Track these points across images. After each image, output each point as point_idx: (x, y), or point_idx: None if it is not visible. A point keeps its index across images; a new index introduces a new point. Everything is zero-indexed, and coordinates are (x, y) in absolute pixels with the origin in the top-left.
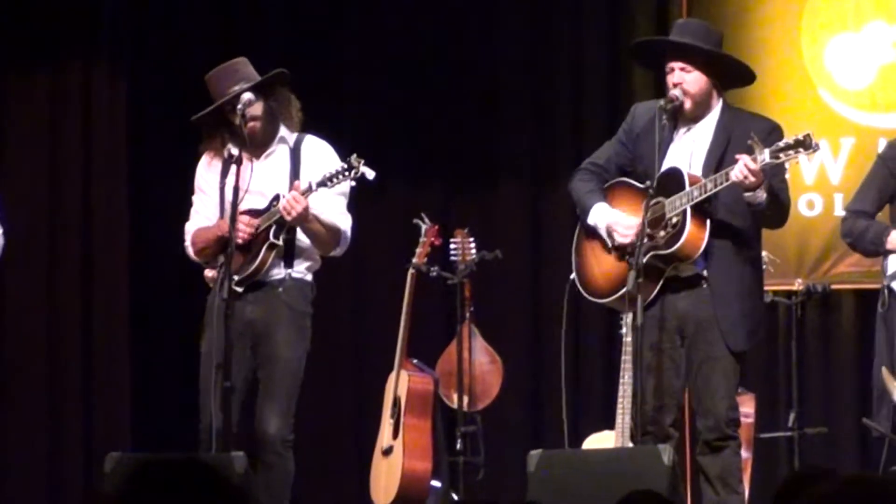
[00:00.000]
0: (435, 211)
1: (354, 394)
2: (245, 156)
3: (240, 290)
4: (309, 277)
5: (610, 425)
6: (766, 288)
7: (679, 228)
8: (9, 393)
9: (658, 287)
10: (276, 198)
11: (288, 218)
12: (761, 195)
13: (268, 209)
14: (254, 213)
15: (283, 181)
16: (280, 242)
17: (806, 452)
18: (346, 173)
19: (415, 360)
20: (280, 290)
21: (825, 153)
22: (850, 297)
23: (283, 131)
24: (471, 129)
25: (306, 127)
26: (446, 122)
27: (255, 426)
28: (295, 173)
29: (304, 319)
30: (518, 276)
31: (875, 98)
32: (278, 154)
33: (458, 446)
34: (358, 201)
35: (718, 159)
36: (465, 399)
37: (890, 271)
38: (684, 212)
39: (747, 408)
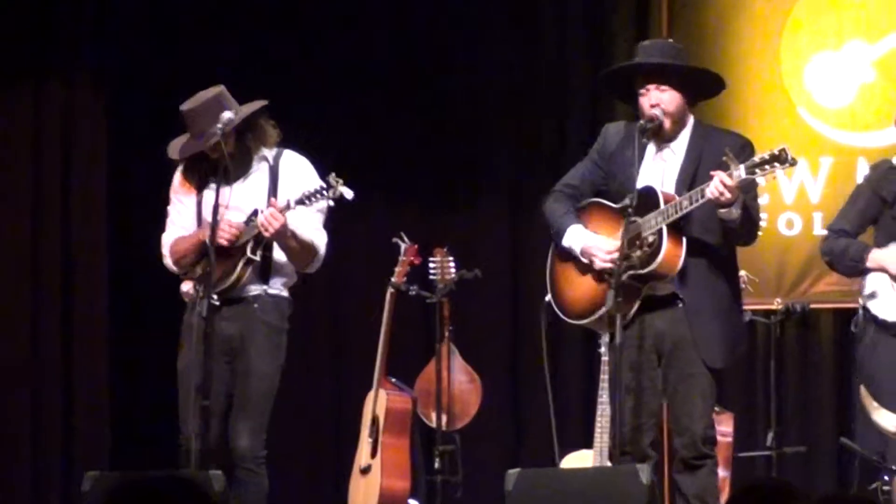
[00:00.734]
0: (414, 230)
1: (333, 412)
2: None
3: (217, 302)
4: (285, 293)
5: (588, 445)
6: (745, 307)
7: (656, 247)
8: None
9: (635, 307)
10: (255, 213)
11: (265, 234)
12: (735, 212)
13: (246, 224)
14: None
15: (262, 197)
16: (257, 258)
17: (784, 471)
18: (325, 192)
19: (393, 379)
20: (256, 305)
21: (804, 172)
22: (829, 317)
23: (262, 151)
24: (451, 148)
25: (286, 144)
26: (427, 142)
27: (229, 442)
28: (274, 189)
29: (279, 335)
30: (497, 296)
31: (855, 117)
32: (258, 172)
33: (437, 465)
34: (338, 220)
35: (691, 177)
36: (444, 418)
37: (867, 291)
38: (660, 230)
39: (725, 427)
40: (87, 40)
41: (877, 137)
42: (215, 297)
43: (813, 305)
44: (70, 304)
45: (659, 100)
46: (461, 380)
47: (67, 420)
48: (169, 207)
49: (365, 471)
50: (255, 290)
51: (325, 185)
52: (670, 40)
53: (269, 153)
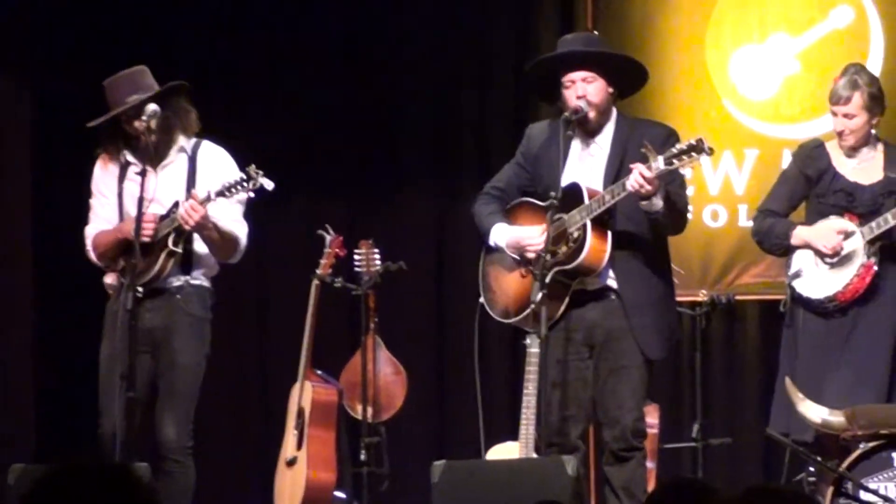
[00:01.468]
0: (339, 222)
1: (259, 404)
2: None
3: (140, 293)
4: (207, 284)
5: (514, 436)
6: None
7: (580, 242)
8: None
9: (565, 303)
10: (176, 205)
11: (186, 226)
12: (658, 203)
13: (167, 216)
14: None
15: (181, 189)
16: (179, 250)
17: (710, 463)
18: (245, 184)
19: (319, 371)
20: (179, 297)
21: (729, 164)
22: (754, 308)
23: (181, 140)
24: (376, 139)
25: (209, 136)
26: (351, 133)
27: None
28: (192, 180)
29: (203, 325)
30: (422, 288)
31: (779, 109)
32: (177, 163)
33: (363, 457)
34: (263, 212)
35: (617, 170)
36: (370, 410)
37: (792, 270)
38: (584, 225)
39: (651, 418)
40: (8, 31)
41: (801, 129)
42: (140, 288)
43: (738, 297)
44: None
45: (584, 91)
46: (387, 372)
47: None
48: (91, 200)
49: (291, 463)
50: (177, 281)
51: (244, 177)
52: (595, 32)
53: (187, 144)
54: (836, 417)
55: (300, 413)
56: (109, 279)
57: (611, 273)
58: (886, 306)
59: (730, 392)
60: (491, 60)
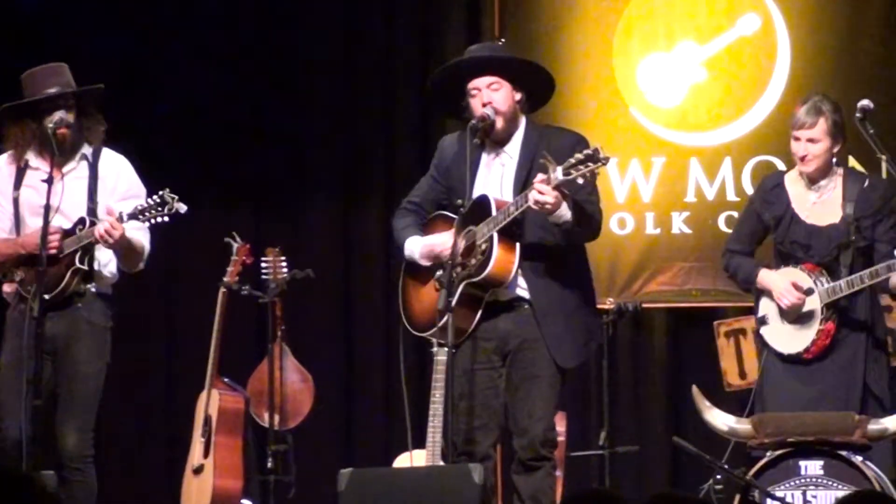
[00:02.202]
0: (246, 229)
1: (165, 412)
2: (47, 169)
3: (45, 299)
4: (109, 291)
5: (422, 445)
6: None
7: (487, 254)
8: None
9: (478, 315)
10: (82, 221)
11: (105, 245)
12: (565, 214)
13: (72, 232)
14: (56, 232)
15: (83, 197)
16: (85, 267)
17: (617, 471)
18: (160, 209)
19: (226, 379)
20: (80, 305)
21: (636, 172)
22: (661, 316)
23: (85, 148)
24: (281, 147)
25: (111, 143)
26: (257, 140)
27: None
28: (93, 189)
29: (104, 334)
30: (329, 295)
31: (686, 117)
32: (79, 171)
33: (269, 465)
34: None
35: (525, 179)
36: (277, 418)
37: (759, 313)
38: (491, 237)
39: (559, 426)
40: None
41: (708, 137)
42: (47, 296)
43: (645, 305)
44: None
45: (490, 98)
46: (294, 379)
47: None
48: None
49: (197, 471)
50: (79, 289)
51: (158, 201)
52: (501, 41)
53: (87, 150)
54: (742, 426)
55: (207, 420)
56: (8, 287)
57: (522, 283)
58: (846, 369)
59: (637, 400)
60: (396, 69)
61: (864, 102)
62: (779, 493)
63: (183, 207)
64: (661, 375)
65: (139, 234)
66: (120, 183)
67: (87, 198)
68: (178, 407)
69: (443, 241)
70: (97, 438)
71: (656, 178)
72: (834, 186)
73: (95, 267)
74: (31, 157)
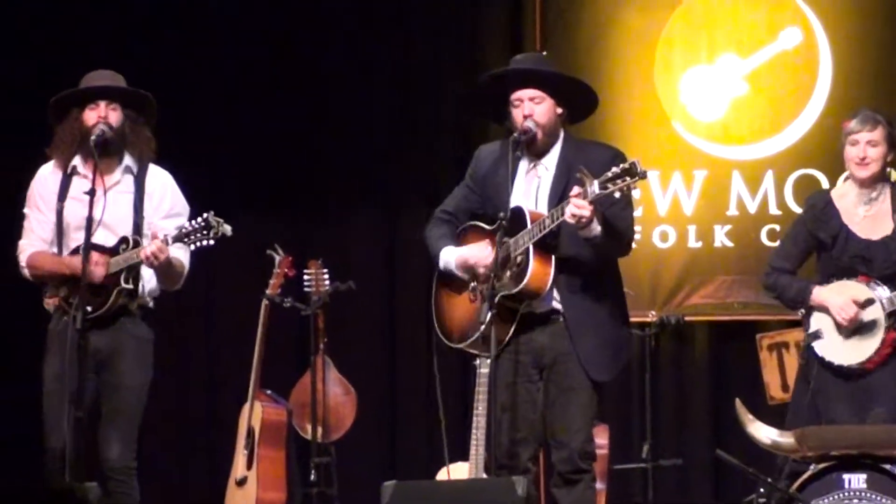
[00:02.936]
0: (288, 242)
1: (208, 424)
2: (90, 177)
3: (88, 312)
4: (151, 304)
5: (465, 457)
6: None
7: (523, 267)
8: None
9: (513, 327)
10: (124, 241)
11: (151, 267)
12: (595, 229)
13: (115, 251)
14: (100, 249)
15: (128, 213)
16: (130, 286)
17: (660, 484)
18: (205, 232)
19: (269, 391)
20: (124, 318)
21: (678, 185)
22: (703, 329)
23: (127, 160)
24: (325, 160)
25: (160, 156)
26: (300, 153)
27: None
28: (139, 206)
29: (147, 347)
30: (372, 307)
31: (728, 130)
32: (123, 185)
33: (312, 477)
34: None
35: (562, 192)
36: (319, 430)
37: (812, 329)
38: (527, 250)
39: (601, 439)
40: None
41: (750, 150)
42: (89, 307)
43: (687, 318)
44: None
45: (532, 110)
46: (336, 392)
47: None
48: (27, 211)
49: (241, 483)
50: (123, 307)
51: (203, 224)
52: (543, 53)
53: (131, 163)
54: (785, 439)
55: (250, 433)
56: (51, 300)
57: (556, 295)
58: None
59: (679, 413)
60: (440, 81)
61: None
62: None
63: (228, 230)
64: (704, 388)
65: (180, 252)
66: (165, 200)
67: (133, 212)
68: (221, 419)
69: (478, 254)
70: (140, 451)
71: (698, 191)
72: (883, 199)
73: (140, 283)
74: (78, 163)
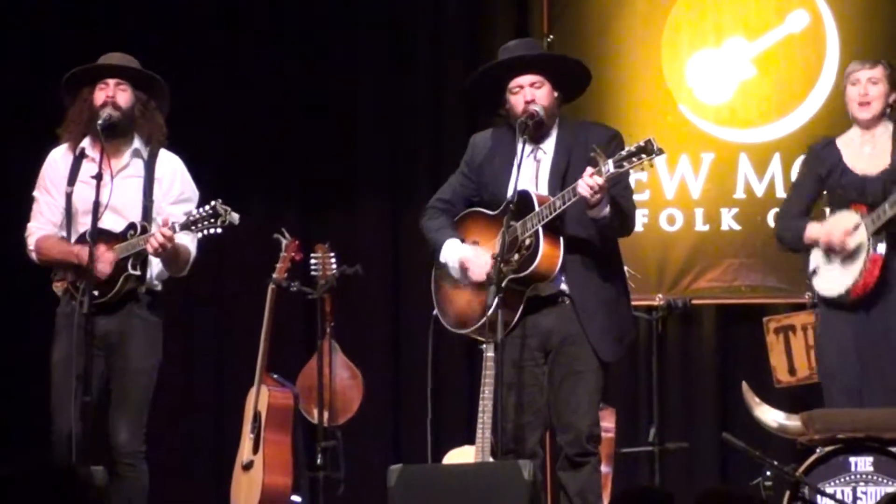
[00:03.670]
0: (295, 226)
1: (215, 408)
2: (96, 158)
3: (95, 296)
4: (160, 287)
5: (471, 441)
6: None
7: (533, 250)
8: None
9: (520, 310)
10: (132, 227)
11: (156, 256)
12: (604, 209)
13: (123, 236)
14: (108, 235)
15: (136, 196)
16: (138, 272)
17: (666, 467)
18: (213, 220)
19: (275, 375)
20: (133, 301)
21: (685, 168)
22: (710, 312)
23: (136, 143)
24: (330, 143)
25: (169, 142)
26: (306, 137)
27: (108, 437)
28: (149, 190)
29: (156, 330)
30: (378, 291)
31: (735, 113)
32: (131, 169)
33: (319, 461)
34: None
35: (562, 174)
36: (326, 414)
37: (810, 268)
38: (536, 233)
39: (608, 422)
40: None
41: (757, 133)
42: (96, 292)
43: (694, 301)
44: None
45: (533, 95)
46: (343, 376)
47: None
48: (36, 193)
49: (247, 467)
50: (131, 292)
51: (210, 212)
52: (550, 37)
53: (143, 148)
54: (792, 422)
55: (256, 417)
56: (59, 284)
57: (563, 277)
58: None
59: (686, 396)
60: (446, 67)
61: None
62: (829, 490)
63: (236, 219)
64: (711, 372)
65: (187, 239)
66: (175, 185)
67: (142, 196)
68: (228, 403)
69: (477, 262)
70: (147, 434)
71: (705, 174)
72: (886, 136)
73: (147, 269)
74: (87, 146)
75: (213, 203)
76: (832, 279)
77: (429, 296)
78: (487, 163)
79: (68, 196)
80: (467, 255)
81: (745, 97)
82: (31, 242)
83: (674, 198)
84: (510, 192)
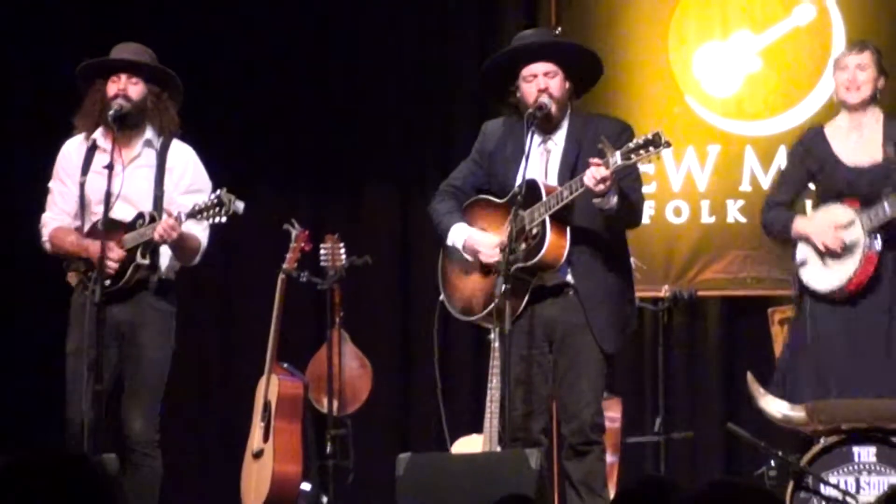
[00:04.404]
0: (305, 216)
1: (225, 397)
2: (108, 148)
3: (107, 286)
4: (172, 277)
5: (479, 429)
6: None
7: (539, 239)
8: None
9: (525, 299)
10: (141, 216)
11: (163, 243)
12: (612, 200)
13: (132, 226)
14: (118, 225)
15: (148, 188)
16: (147, 262)
17: (671, 457)
18: (218, 209)
19: (285, 365)
20: (145, 291)
21: (692, 160)
22: (716, 304)
23: (149, 133)
24: (339, 133)
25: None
26: (315, 128)
27: (122, 426)
28: (160, 180)
29: (169, 319)
30: (387, 281)
31: (741, 106)
32: (143, 159)
33: (328, 450)
34: None
35: (572, 166)
36: (335, 403)
37: (798, 259)
38: (543, 222)
39: (614, 412)
40: None
41: (763, 126)
42: (108, 282)
43: (700, 293)
44: None
45: (546, 84)
46: (352, 365)
47: None
48: (52, 184)
49: (257, 455)
50: (141, 280)
51: (215, 201)
52: (558, 29)
53: (155, 139)
54: (796, 412)
55: (266, 406)
56: (73, 275)
57: (569, 269)
58: (884, 292)
59: (691, 386)
60: (455, 57)
61: None
62: (832, 480)
63: (241, 207)
64: (716, 363)
65: (197, 229)
66: (186, 175)
67: (154, 186)
68: (238, 392)
69: (487, 244)
70: (160, 423)
71: (711, 166)
72: (876, 124)
73: (158, 257)
74: (99, 136)
75: (218, 192)
76: (824, 274)
77: (437, 285)
78: (498, 151)
79: (81, 186)
80: (476, 238)
81: (751, 90)
82: (45, 233)
83: (680, 190)
84: (518, 182)
